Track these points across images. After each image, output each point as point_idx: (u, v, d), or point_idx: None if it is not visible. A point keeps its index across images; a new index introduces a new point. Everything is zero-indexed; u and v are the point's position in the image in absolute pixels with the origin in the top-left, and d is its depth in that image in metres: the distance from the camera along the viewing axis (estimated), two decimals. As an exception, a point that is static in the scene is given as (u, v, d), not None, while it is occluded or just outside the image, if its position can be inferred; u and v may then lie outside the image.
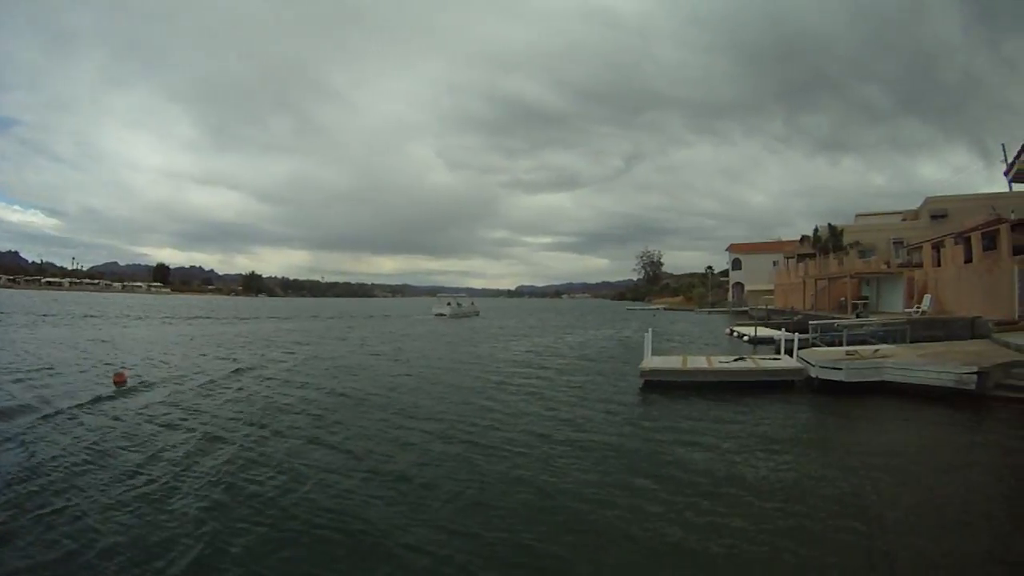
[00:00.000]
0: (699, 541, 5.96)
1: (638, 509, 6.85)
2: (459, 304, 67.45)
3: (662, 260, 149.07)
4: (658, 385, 14.87)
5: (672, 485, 7.68)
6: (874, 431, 11.29)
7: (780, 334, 18.91)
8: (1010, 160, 18.72)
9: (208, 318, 54.22)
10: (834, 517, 6.58)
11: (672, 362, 16.54)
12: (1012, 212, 27.13)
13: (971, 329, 20.69)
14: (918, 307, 27.83)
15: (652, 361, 16.23)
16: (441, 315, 61.48)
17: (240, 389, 15.15)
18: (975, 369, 12.80)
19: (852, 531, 6.21)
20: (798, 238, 62.10)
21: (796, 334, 17.65)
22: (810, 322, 22.58)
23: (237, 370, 18.47)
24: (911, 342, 19.24)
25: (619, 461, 8.83)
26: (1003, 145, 18.18)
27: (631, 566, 5.58)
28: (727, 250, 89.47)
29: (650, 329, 17.97)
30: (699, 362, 16.40)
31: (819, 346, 19.30)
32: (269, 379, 17.06)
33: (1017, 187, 20.25)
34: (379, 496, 7.39)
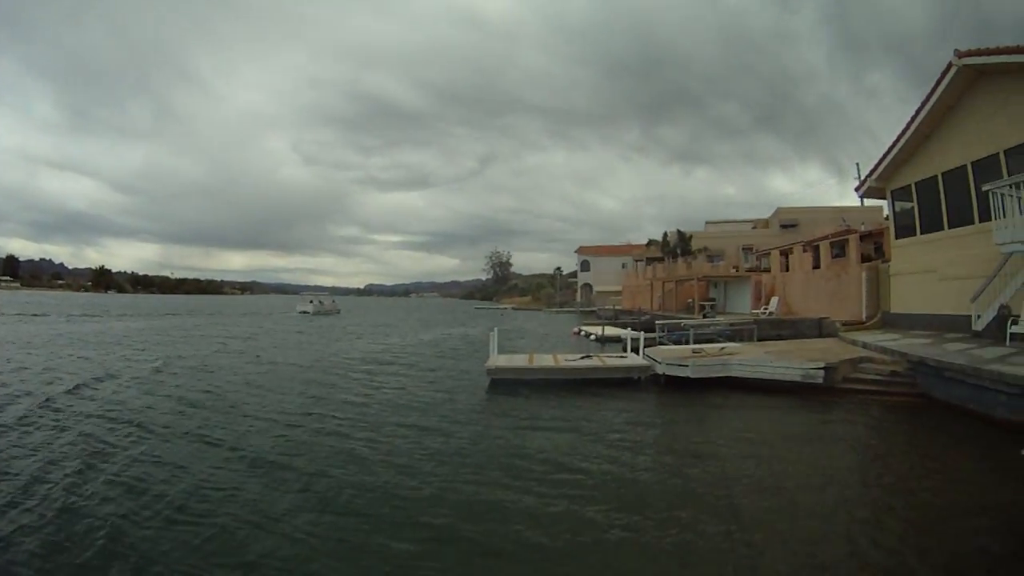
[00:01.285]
0: (548, 536, 5.82)
1: (481, 505, 6.64)
2: (321, 302, 68.33)
3: (511, 261, 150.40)
4: (505, 383, 14.58)
5: (517, 481, 7.48)
6: (722, 421, 11.48)
7: (627, 333, 18.86)
8: (862, 177, 19.77)
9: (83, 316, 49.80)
10: (693, 501, 6.74)
11: (518, 360, 16.31)
12: (863, 224, 29.26)
13: (819, 328, 21.59)
14: (765, 308, 28.96)
15: (498, 360, 15.92)
16: (305, 313, 62.10)
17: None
18: (822, 364, 13.24)
19: (711, 512, 6.36)
20: (647, 242, 63.96)
21: (642, 333, 17.57)
22: (657, 322, 22.77)
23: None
24: (758, 340, 19.75)
25: (463, 460, 8.48)
26: (858, 164, 19.33)
27: (469, 563, 5.39)
28: (576, 252, 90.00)
29: (495, 328, 17.57)
30: (545, 360, 16.21)
31: (666, 344, 19.50)
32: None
33: (869, 203, 21.49)
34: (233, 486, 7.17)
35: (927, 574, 5.15)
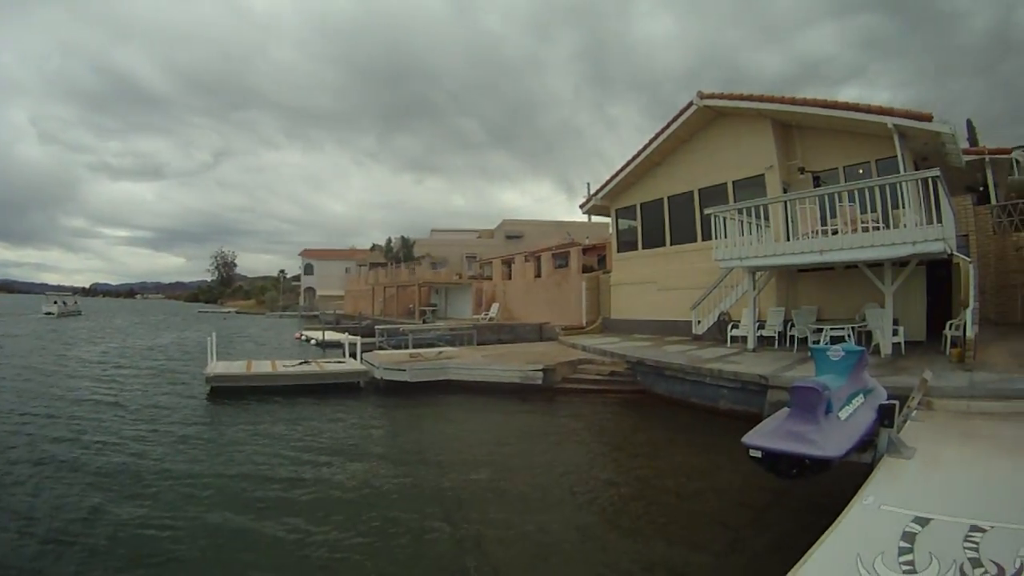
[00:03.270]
0: (272, 545, 5.55)
1: (201, 530, 5.92)
2: (65, 303, 65.22)
3: (236, 262, 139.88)
4: (224, 391, 13.73)
5: (232, 494, 7.00)
6: (443, 424, 11.55)
7: (347, 338, 18.47)
8: (588, 196, 21.08)
9: None
10: (420, 504, 6.66)
11: (236, 367, 15.41)
12: (587, 238, 31.47)
13: (539, 333, 22.88)
14: (486, 314, 29.79)
15: (216, 367, 14.94)
16: (50, 314, 59.23)
17: None
18: (541, 366, 13.58)
19: (439, 514, 6.33)
20: (371, 247, 63.38)
21: (360, 338, 17.55)
22: (377, 327, 22.81)
23: None
24: (479, 344, 20.18)
25: (176, 481, 7.55)
26: (588, 184, 20.63)
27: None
28: (301, 255, 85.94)
29: (213, 333, 16.26)
30: (264, 367, 15.53)
31: (386, 349, 19.52)
32: None
33: (596, 219, 23.06)
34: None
35: (669, 551, 5.49)
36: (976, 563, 3.78)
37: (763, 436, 5.54)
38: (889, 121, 12.38)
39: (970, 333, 10.11)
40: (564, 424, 11.04)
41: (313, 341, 28.39)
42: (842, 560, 3.82)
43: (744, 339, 14.02)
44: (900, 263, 11.16)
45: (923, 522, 4.31)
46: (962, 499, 4.93)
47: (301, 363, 15.92)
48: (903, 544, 4.01)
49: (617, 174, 19.96)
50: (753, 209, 13.18)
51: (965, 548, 3.95)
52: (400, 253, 48.42)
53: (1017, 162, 17.04)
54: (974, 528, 4.19)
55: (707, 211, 13.82)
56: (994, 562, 3.76)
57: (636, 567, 5.24)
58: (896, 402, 6.21)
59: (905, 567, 3.76)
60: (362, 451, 9.21)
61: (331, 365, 15.72)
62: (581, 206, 22.13)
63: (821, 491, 6.02)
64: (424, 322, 29.74)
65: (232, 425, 10.82)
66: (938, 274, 13.21)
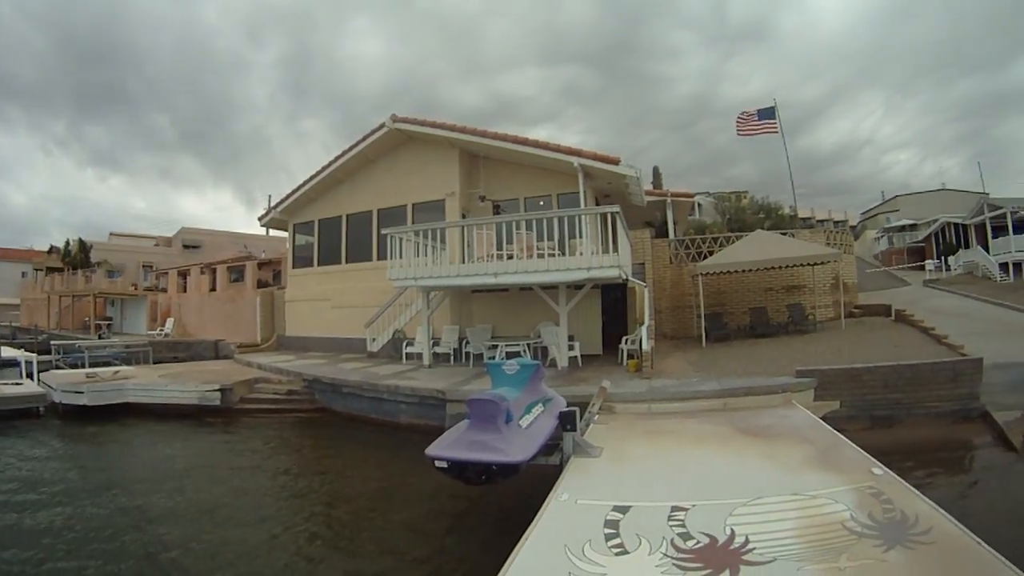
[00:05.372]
0: None
1: None
2: None
3: None
4: None
5: None
6: (126, 451, 10.73)
7: (24, 355, 15.76)
8: (267, 209, 19.84)
9: None
10: (107, 539, 6.09)
11: None
12: (264, 252, 29.46)
13: (215, 351, 21.21)
14: (161, 329, 27.01)
15: None
16: None
17: None
18: (218, 386, 12.88)
19: (129, 550, 5.86)
20: (48, 248, 52.97)
21: (36, 355, 15.79)
22: (52, 343, 20.31)
23: None
24: (155, 363, 18.87)
25: None
26: (270, 196, 19.37)
27: None
28: None
29: None
30: None
31: (63, 368, 17.39)
32: None
33: (275, 233, 21.65)
34: None
35: (374, 566, 5.49)
36: (687, 536, 4.04)
37: (447, 447, 5.63)
38: (576, 161, 13.51)
39: (646, 346, 11.24)
40: (247, 445, 10.51)
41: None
42: (549, 551, 3.91)
43: (419, 356, 14.05)
44: (576, 286, 12.01)
45: (623, 510, 4.53)
46: (657, 486, 5.29)
47: None
48: (608, 531, 4.17)
49: (299, 188, 18.93)
50: (431, 232, 13.30)
51: (671, 526, 4.22)
52: (78, 258, 40.90)
53: (699, 205, 20.24)
54: (676, 508, 4.51)
55: (384, 231, 13.59)
56: (705, 533, 4.04)
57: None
58: (576, 408, 6.57)
59: (616, 549, 3.90)
60: (39, 485, 8.04)
61: (7, 388, 13.36)
62: (260, 219, 20.53)
63: (514, 494, 6.22)
64: (100, 337, 25.84)
65: None
66: (615, 296, 14.84)
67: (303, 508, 7.28)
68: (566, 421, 6.33)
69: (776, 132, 23.16)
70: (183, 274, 30.01)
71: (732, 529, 4.07)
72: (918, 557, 3.55)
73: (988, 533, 3.73)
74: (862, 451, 5.69)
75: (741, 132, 23.42)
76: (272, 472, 8.97)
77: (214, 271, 26.85)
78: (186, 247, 41.98)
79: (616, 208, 11.28)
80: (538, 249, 11.66)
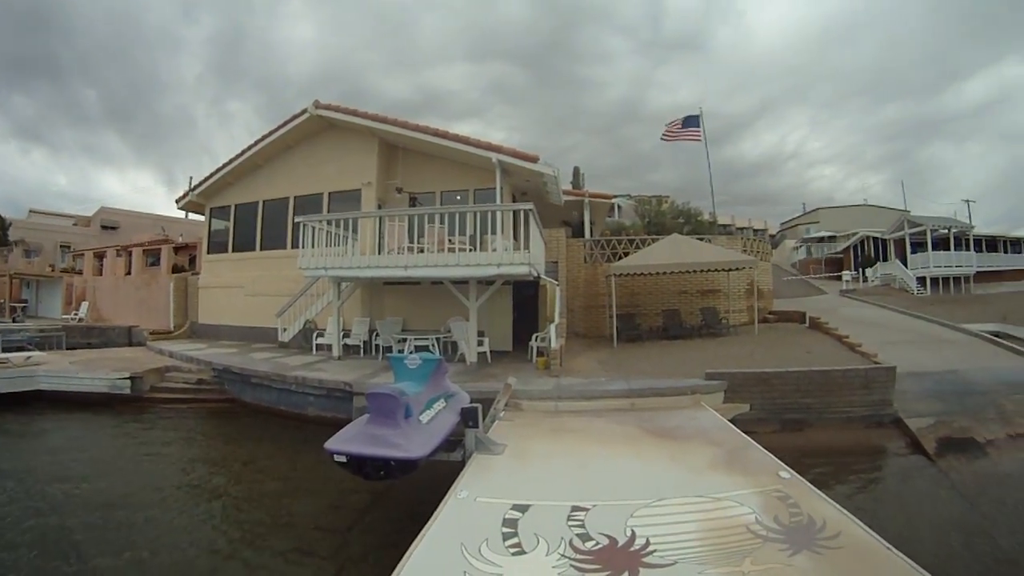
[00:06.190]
0: None
1: None
2: None
3: None
4: None
5: None
6: (38, 441, 10.07)
7: None
8: (185, 192, 19.08)
9: None
10: (7, 529, 5.94)
11: None
12: (181, 236, 28.35)
13: (129, 337, 20.47)
14: (75, 314, 25.79)
15: None
16: None
17: None
18: (128, 374, 12.43)
19: (34, 544, 5.64)
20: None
21: None
22: None
23: None
24: (68, 349, 18.30)
25: None
26: (191, 178, 18.52)
27: None
28: None
29: None
30: None
31: None
32: None
33: (193, 216, 20.81)
34: None
35: (274, 561, 5.39)
36: (586, 537, 3.97)
37: (346, 441, 5.49)
38: (495, 157, 13.33)
39: (555, 344, 11.17)
40: (156, 436, 10.16)
41: None
42: (445, 550, 3.84)
43: (329, 347, 13.72)
44: (487, 282, 11.88)
45: (523, 508, 4.47)
46: (558, 486, 5.20)
47: None
48: (506, 530, 4.11)
49: (218, 171, 18.17)
50: (343, 221, 12.95)
51: (571, 526, 4.15)
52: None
53: (619, 207, 20.28)
54: (576, 508, 4.44)
55: (297, 219, 13.20)
56: (604, 534, 3.98)
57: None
58: (478, 405, 6.42)
59: (513, 549, 3.84)
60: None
61: None
62: (178, 201, 19.70)
63: (418, 490, 6.14)
64: (15, 321, 25.12)
65: None
66: (527, 294, 14.65)
67: (207, 501, 7.11)
68: (468, 417, 6.23)
69: (699, 140, 23.50)
70: (99, 256, 28.81)
71: (633, 530, 4.02)
72: (825, 562, 3.52)
73: (900, 538, 3.76)
74: (769, 454, 5.70)
75: (665, 137, 23.73)
76: (178, 463, 8.76)
77: (130, 254, 25.87)
78: (104, 228, 39.97)
79: (530, 205, 11.24)
80: (450, 243, 11.52)
